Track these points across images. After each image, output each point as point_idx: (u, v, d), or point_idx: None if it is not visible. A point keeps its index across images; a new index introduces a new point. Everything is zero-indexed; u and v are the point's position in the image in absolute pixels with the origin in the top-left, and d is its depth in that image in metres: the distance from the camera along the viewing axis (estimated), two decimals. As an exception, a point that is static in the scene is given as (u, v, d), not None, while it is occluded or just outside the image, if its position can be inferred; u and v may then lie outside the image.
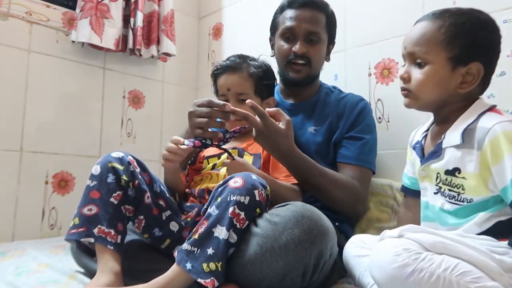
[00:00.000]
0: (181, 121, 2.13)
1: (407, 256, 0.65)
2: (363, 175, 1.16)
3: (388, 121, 1.42)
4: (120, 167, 0.95)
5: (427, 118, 1.30)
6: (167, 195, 1.03)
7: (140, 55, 1.85)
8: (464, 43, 0.80)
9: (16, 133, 1.58)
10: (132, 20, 1.81)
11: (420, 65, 0.85)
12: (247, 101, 0.96)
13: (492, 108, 0.82)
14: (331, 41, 1.32)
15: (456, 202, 0.80)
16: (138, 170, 0.98)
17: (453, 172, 0.80)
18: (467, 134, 0.79)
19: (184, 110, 2.12)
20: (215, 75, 1.21)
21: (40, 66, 1.65)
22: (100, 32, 1.70)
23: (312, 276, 0.82)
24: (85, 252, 1.00)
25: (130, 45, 1.79)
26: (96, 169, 0.96)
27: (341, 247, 1.00)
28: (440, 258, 0.66)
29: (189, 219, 1.02)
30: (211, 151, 1.17)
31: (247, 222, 0.82)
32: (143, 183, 0.98)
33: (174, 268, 0.82)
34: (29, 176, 1.59)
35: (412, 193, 1.02)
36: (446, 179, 0.81)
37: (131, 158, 0.98)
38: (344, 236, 1.14)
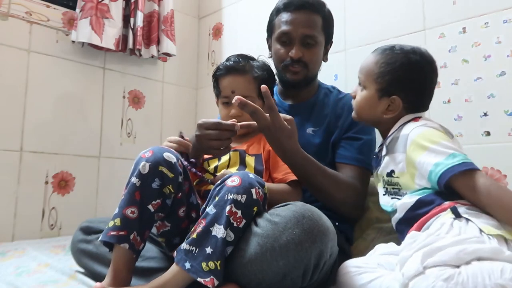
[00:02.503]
0: (181, 121, 2.14)
1: (455, 283, 0.64)
2: (362, 176, 1.16)
3: (388, 121, 1.41)
4: (169, 175, 0.88)
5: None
6: (203, 207, 0.98)
7: (140, 55, 1.85)
8: (389, 79, 0.96)
9: (16, 133, 1.58)
10: (132, 20, 1.81)
11: (362, 89, 1.02)
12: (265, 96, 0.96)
13: (414, 119, 0.96)
14: (328, 41, 1.32)
15: (397, 197, 0.94)
16: (182, 180, 0.93)
17: (390, 173, 0.96)
18: (392, 142, 0.96)
19: (184, 110, 2.16)
20: (217, 76, 1.19)
21: (40, 66, 1.65)
22: (100, 32, 1.70)
23: (312, 276, 0.82)
24: (88, 254, 1.00)
25: (130, 45, 1.79)
26: (144, 167, 0.87)
27: (341, 247, 1.00)
28: (473, 268, 0.66)
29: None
30: None
31: (244, 220, 0.82)
32: (184, 196, 0.94)
33: (173, 268, 0.82)
34: (29, 176, 1.59)
35: None
36: (389, 180, 0.97)
37: (180, 164, 0.92)
38: (344, 236, 1.14)
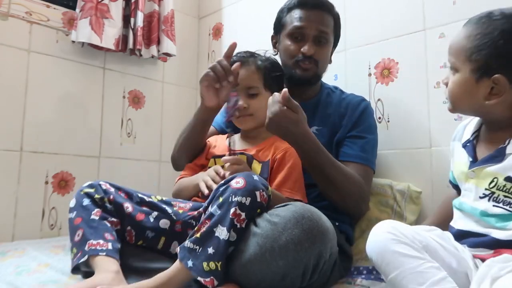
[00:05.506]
0: (181, 121, 2.12)
1: None
2: (366, 173, 1.17)
3: (388, 121, 1.42)
4: (91, 190, 0.99)
5: (428, 119, 1.30)
6: (148, 199, 1.04)
7: (140, 55, 1.85)
8: (488, 53, 0.76)
9: (16, 133, 1.58)
10: (132, 20, 1.81)
11: (454, 72, 0.83)
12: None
13: None
14: (336, 43, 1.34)
15: (510, 209, 0.76)
16: (112, 190, 1.01)
17: None
18: None
19: (184, 110, 2.16)
20: None
21: (40, 66, 1.65)
22: (100, 32, 1.70)
23: (311, 276, 0.83)
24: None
25: (130, 45, 1.79)
26: (72, 202, 1.00)
27: (341, 247, 1.00)
28: None
29: (180, 211, 1.02)
30: (219, 150, 1.17)
31: (246, 220, 0.83)
32: (118, 197, 1.01)
33: (176, 264, 0.83)
34: (29, 176, 1.59)
35: (456, 188, 0.97)
36: (505, 186, 0.76)
37: (102, 182, 1.03)
38: (344, 236, 1.14)
